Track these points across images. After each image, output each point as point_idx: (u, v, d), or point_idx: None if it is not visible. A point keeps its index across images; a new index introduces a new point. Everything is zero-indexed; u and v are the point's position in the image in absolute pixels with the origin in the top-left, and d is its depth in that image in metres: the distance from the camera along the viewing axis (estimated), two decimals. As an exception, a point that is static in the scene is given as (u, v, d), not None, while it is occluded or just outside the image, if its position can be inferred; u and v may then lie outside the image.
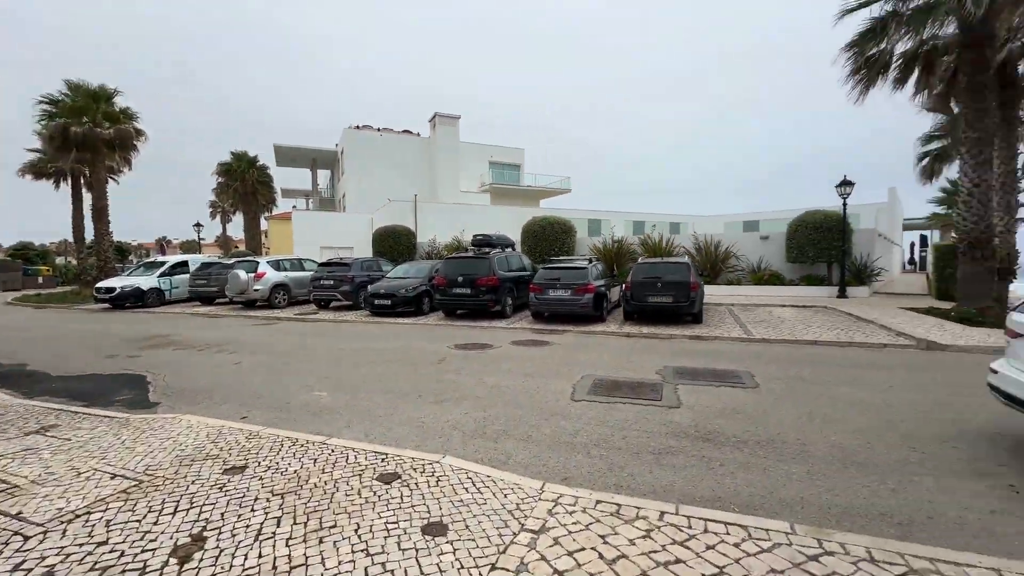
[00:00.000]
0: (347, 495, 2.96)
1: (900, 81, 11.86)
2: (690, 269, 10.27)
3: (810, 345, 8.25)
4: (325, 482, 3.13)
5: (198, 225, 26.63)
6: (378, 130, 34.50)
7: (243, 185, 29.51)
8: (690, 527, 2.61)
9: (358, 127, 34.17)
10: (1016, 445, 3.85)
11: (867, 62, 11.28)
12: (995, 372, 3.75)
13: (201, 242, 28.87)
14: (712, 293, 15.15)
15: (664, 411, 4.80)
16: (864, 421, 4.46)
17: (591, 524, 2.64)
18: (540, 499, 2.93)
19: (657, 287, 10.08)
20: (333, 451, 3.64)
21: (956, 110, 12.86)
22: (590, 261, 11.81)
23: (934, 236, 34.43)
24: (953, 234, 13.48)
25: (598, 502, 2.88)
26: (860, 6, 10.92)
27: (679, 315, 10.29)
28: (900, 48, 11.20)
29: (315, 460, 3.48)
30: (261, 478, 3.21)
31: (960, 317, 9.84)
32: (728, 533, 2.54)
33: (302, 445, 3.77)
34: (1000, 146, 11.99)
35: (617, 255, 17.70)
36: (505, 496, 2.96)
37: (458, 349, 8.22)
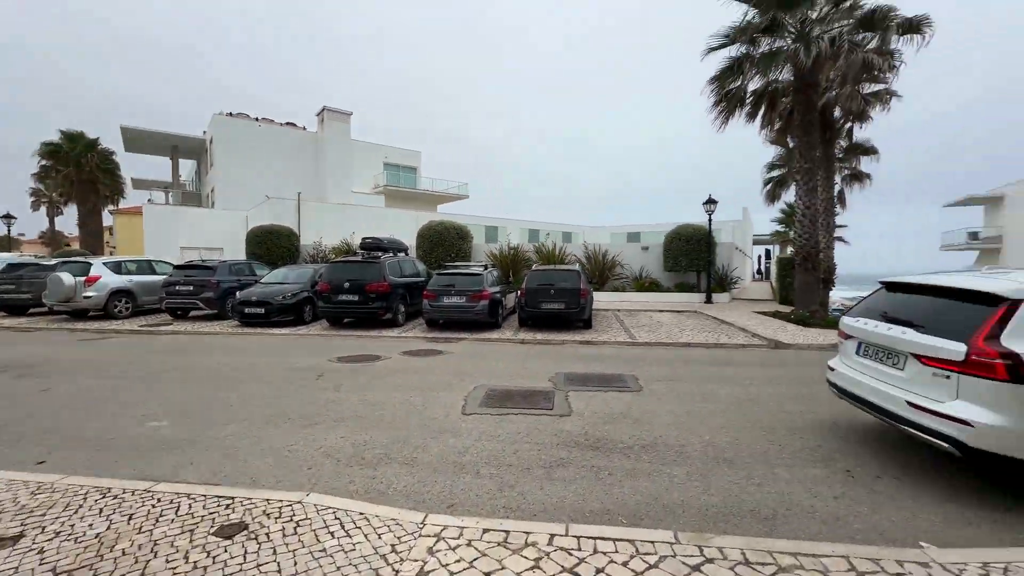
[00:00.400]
0: (168, 561, 2.32)
1: (751, 115, 13.62)
2: (580, 277, 10.65)
3: (684, 347, 8.98)
4: (139, 546, 2.44)
5: (8, 217, 21.51)
6: (256, 119, 31.18)
7: (78, 172, 24.56)
8: (580, 548, 2.47)
9: (231, 114, 30.53)
10: (849, 432, 4.42)
11: (726, 96, 12.79)
12: (832, 370, 4.27)
13: (20, 238, 23.38)
14: (600, 299, 15.99)
15: (556, 420, 4.74)
16: (730, 417, 4.83)
17: (476, 560, 2.37)
18: (420, 535, 2.59)
19: (550, 294, 10.28)
20: (159, 501, 2.91)
21: (792, 144, 15.21)
22: (486, 267, 11.70)
23: (776, 250, 40.59)
24: (790, 249, 15.82)
25: (485, 531, 2.62)
26: (721, 46, 12.36)
27: (571, 321, 10.60)
28: (752, 86, 12.91)
29: (130, 516, 2.73)
30: (42, 551, 2.41)
31: (798, 319, 11.53)
32: (617, 551, 2.44)
33: (115, 496, 2.96)
34: (823, 176, 14.40)
35: (513, 262, 17.93)
36: (380, 536, 2.56)
37: (341, 363, 7.48)
